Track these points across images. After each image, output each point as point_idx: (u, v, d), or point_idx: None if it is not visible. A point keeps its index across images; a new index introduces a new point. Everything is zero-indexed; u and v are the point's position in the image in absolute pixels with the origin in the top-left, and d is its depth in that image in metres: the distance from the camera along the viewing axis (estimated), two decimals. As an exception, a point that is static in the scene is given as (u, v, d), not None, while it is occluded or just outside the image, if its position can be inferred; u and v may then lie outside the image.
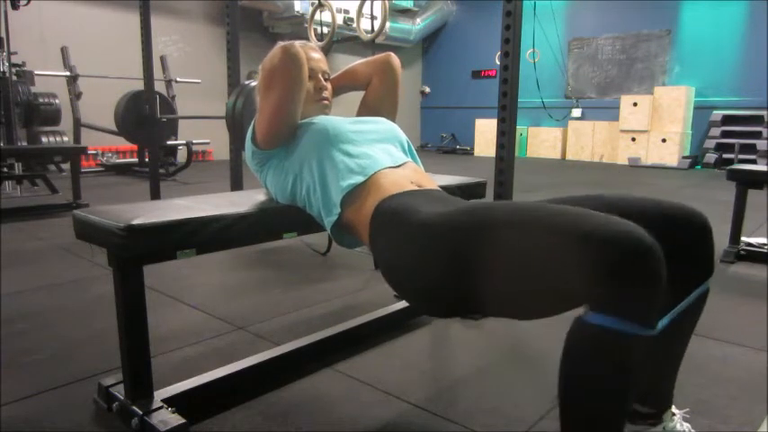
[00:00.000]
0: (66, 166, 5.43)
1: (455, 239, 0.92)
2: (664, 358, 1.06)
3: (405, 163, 1.28)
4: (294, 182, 1.29)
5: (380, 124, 1.38)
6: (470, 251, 0.89)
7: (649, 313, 0.74)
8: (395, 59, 1.52)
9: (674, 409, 1.07)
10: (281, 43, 1.31)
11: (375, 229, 1.11)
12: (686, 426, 1.07)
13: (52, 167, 5.57)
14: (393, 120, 1.52)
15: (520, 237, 0.84)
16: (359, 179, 1.17)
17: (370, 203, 1.14)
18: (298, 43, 1.31)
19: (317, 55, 1.42)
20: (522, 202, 0.91)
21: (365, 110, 1.53)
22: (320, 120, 1.29)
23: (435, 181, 1.33)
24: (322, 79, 1.40)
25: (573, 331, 0.77)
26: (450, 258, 0.92)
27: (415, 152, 1.40)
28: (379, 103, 1.52)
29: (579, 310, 0.79)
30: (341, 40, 7.34)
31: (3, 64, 4.38)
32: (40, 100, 5.68)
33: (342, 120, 1.32)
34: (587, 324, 0.75)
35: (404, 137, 1.41)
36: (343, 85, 1.53)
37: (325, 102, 1.41)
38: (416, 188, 1.18)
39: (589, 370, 0.77)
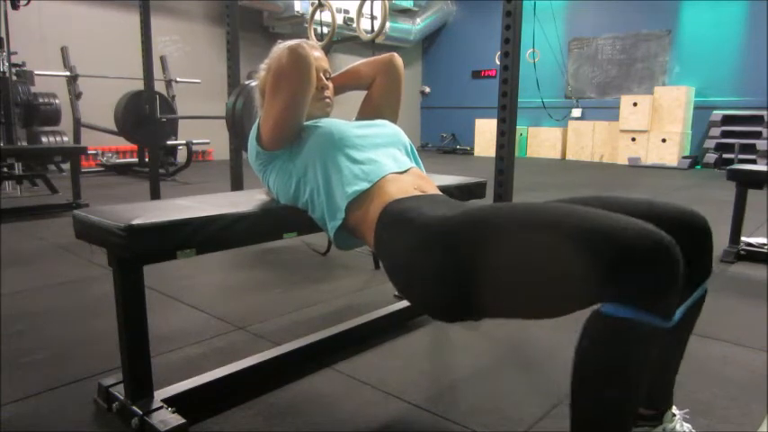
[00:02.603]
0: (66, 166, 5.43)
1: (460, 241, 0.92)
2: (664, 359, 1.06)
3: (409, 168, 1.28)
4: (297, 184, 1.29)
5: (385, 128, 1.38)
6: (476, 253, 0.89)
7: (668, 305, 0.76)
8: (398, 60, 1.52)
9: (674, 409, 1.07)
10: (286, 43, 1.30)
11: (380, 232, 1.11)
12: (687, 426, 1.07)
13: (52, 167, 5.56)
14: (395, 120, 1.52)
15: (526, 237, 0.84)
16: (364, 186, 1.18)
17: (375, 208, 1.14)
18: (299, 41, 1.30)
19: (319, 53, 1.41)
20: (525, 203, 0.91)
21: (368, 110, 1.53)
22: (325, 123, 1.29)
23: (436, 182, 1.33)
24: (324, 78, 1.40)
25: (590, 322, 0.79)
26: (453, 260, 0.92)
27: (417, 156, 1.41)
28: (381, 103, 1.52)
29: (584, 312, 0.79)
30: (341, 40, 7.34)
31: (3, 64, 4.38)
32: (40, 100, 5.67)
33: (347, 123, 1.32)
34: (605, 315, 0.77)
35: (407, 140, 1.41)
36: (346, 84, 1.52)
37: (327, 101, 1.41)
38: (420, 193, 1.18)
39: (605, 359, 0.78)
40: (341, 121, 1.33)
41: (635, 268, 0.74)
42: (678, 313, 0.93)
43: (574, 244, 0.78)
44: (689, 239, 0.96)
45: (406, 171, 1.26)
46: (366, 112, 1.53)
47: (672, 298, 0.76)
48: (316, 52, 1.40)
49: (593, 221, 0.79)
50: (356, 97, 1.57)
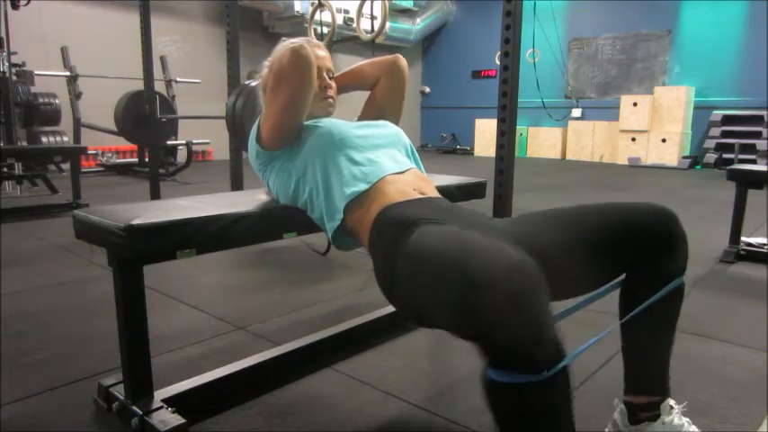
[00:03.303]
0: (66, 166, 5.43)
1: (406, 261, 0.95)
2: (644, 348, 1.08)
3: (409, 169, 1.28)
4: (297, 184, 1.29)
5: (385, 128, 1.38)
6: (404, 275, 0.93)
7: (525, 360, 0.69)
8: (403, 61, 1.51)
9: (672, 402, 1.08)
10: (288, 41, 1.30)
11: (374, 238, 1.12)
12: (685, 420, 1.07)
13: (52, 167, 5.56)
14: (397, 120, 1.52)
15: (435, 270, 0.83)
16: (363, 187, 1.17)
17: (373, 210, 1.14)
18: (302, 40, 1.30)
19: (323, 53, 1.41)
20: (460, 233, 0.90)
21: (370, 110, 1.53)
22: (326, 123, 1.29)
23: (436, 182, 1.33)
24: (327, 78, 1.39)
25: (481, 384, 0.76)
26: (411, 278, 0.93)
27: (418, 157, 1.40)
28: (385, 104, 1.52)
29: None
30: (341, 40, 7.35)
31: (3, 64, 4.38)
32: (40, 100, 5.67)
33: (347, 124, 1.32)
34: (484, 379, 0.73)
35: (407, 141, 1.40)
36: (349, 84, 1.51)
37: (330, 100, 1.40)
38: (419, 196, 1.18)
39: (504, 424, 0.75)
40: (341, 121, 1.33)
41: (483, 327, 0.70)
42: (635, 313, 0.97)
43: (453, 289, 0.75)
44: (655, 237, 1.01)
45: (405, 171, 1.26)
46: (369, 113, 1.53)
47: (529, 349, 0.69)
48: (320, 51, 1.40)
49: (466, 265, 0.75)
50: (359, 97, 1.57)
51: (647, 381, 1.09)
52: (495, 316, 0.69)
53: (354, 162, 1.22)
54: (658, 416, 1.06)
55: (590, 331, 0.91)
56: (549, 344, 0.70)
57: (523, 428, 0.74)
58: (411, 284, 0.93)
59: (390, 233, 1.05)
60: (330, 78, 1.41)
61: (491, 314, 0.69)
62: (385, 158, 1.26)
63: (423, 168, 1.37)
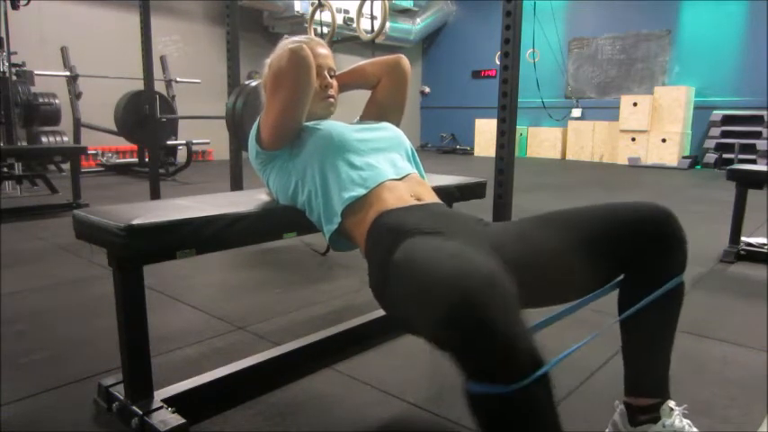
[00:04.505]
0: (66, 166, 5.42)
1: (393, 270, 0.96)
2: (643, 349, 1.07)
3: (408, 175, 1.27)
4: (296, 185, 1.29)
5: (386, 131, 1.37)
6: (393, 284, 0.95)
7: (499, 371, 0.68)
8: (405, 62, 1.50)
9: (672, 404, 1.07)
10: (288, 40, 1.30)
11: (370, 244, 1.13)
12: (686, 422, 1.07)
13: (52, 167, 5.56)
14: (398, 121, 1.51)
15: (420, 285, 0.82)
16: (361, 192, 1.17)
17: (370, 216, 1.14)
18: (303, 38, 1.30)
19: (324, 50, 1.39)
20: (439, 246, 0.90)
21: (372, 110, 1.52)
22: (326, 125, 1.29)
23: (436, 183, 1.33)
24: (328, 76, 1.38)
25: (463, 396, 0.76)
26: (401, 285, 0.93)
27: (418, 159, 1.40)
28: (386, 104, 1.51)
29: None
30: (341, 40, 7.34)
31: (3, 64, 4.38)
32: (40, 100, 5.67)
33: (347, 126, 1.32)
34: (464, 391, 0.73)
35: (408, 144, 1.40)
36: (351, 83, 1.50)
37: (331, 99, 1.39)
38: (416, 202, 1.18)
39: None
40: (341, 124, 1.32)
41: (455, 341, 0.70)
42: (633, 311, 0.97)
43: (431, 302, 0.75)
44: (647, 237, 0.99)
45: (404, 177, 1.25)
46: (370, 113, 1.52)
47: (502, 359, 0.68)
48: (321, 49, 1.39)
49: (433, 278, 0.76)
50: (359, 97, 1.56)
51: (646, 383, 1.08)
52: (465, 330, 0.69)
53: (353, 166, 1.21)
54: (659, 418, 1.06)
55: (590, 332, 0.91)
56: (522, 354, 0.69)
57: None
58: (398, 294, 0.93)
59: (385, 241, 1.06)
60: (331, 77, 1.40)
61: (461, 328, 0.69)
62: (384, 163, 1.26)
63: (423, 171, 1.37)
